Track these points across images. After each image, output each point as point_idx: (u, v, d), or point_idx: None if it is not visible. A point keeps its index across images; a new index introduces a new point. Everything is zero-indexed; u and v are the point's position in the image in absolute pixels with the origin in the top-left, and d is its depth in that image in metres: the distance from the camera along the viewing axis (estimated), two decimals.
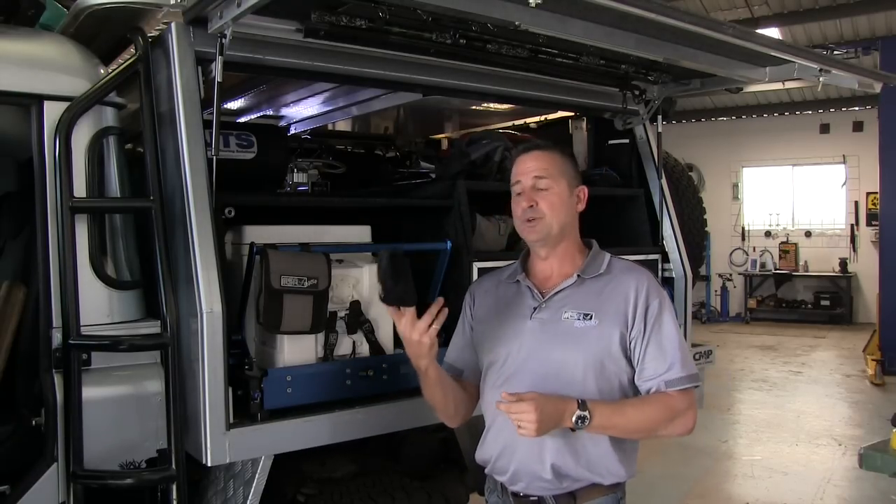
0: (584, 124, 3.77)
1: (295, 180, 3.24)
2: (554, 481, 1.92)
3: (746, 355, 10.62)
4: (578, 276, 1.99)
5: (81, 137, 2.18)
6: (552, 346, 1.94)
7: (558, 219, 1.97)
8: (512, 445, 1.96)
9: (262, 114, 3.65)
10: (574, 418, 1.78)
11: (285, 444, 2.26)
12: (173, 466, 2.10)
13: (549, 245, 2.01)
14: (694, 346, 3.44)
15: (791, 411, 7.54)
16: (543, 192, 1.97)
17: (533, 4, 1.73)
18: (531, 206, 1.97)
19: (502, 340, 2.01)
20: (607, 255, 2.06)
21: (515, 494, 1.99)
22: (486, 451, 2.05)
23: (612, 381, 1.93)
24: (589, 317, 1.94)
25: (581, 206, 2.05)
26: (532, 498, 1.96)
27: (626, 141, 3.52)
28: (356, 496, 2.63)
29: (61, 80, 2.20)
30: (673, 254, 3.41)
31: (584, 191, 2.05)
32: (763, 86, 3.18)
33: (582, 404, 1.80)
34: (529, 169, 2.00)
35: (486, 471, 2.07)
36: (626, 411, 1.89)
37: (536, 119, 3.91)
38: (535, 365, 1.93)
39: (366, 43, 2.40)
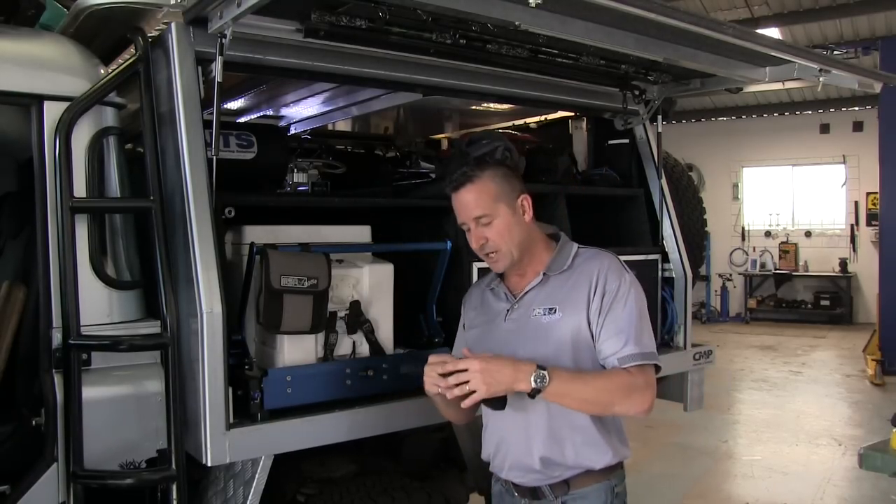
0: (584, 124, 3.77)
1: (295, 180, 3.24)
2: (545, 472, 2.00)
3: (746, 355, 10.62)
4: (544, 273, 2.05)
5: (81, 137, 2.18)
6: (524, 345, 1.98)
7: (514, 243, 2.01)
8: (505, 442, 2.06)
9: (262, 114, 3.65)
10: (533, 377, 1.80)
11: (285, 444, 2.26)
12: (173, 466, 2.10)
13: (515, 267, 2.07)
14: (694, 346, 3.44)
15: (791, 411, 7.54)
16: (487, 226, 2.00)
17: (533, 4, 1.73)
18: (482, 243, 2.01)
19: (485, 345, 2.05)
20: (574, 247, 2.10)
21: (515, 485, 2.08)
22: (486, 448, 2.15)
23: (588, 367, 1.97)
24: (553, 310, 1.99)
25: (529, 215, 2.06)
26: (529, 487, 2.05)
27: (626, 141, 3.52)
28: (356, 496, 2.62)
29: (61, 80, 2.20)
30: (673, 254, 3.41)
31: (526, 199, 2.06)
32: (763, 86, 3.18)
33: (541, 366, 1.83)
34: (466, 208, 2.01)
35: (491, 468, 2.16)
36: (585, 378, 1.92)
37: (536, 119, 3.91)
38: None
39: (366, 43, 2.40)
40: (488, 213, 1.99)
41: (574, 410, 1.94)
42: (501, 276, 2.13)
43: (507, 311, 2.07)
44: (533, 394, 1.83)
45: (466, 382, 1.80)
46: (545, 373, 1.81)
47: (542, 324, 2.00)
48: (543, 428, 1.98)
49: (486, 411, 2.07)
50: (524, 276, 2.09)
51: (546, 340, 1.98)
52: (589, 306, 1.97)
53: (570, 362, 1.95)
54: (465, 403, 1.83)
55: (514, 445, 2.04)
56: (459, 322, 2.27)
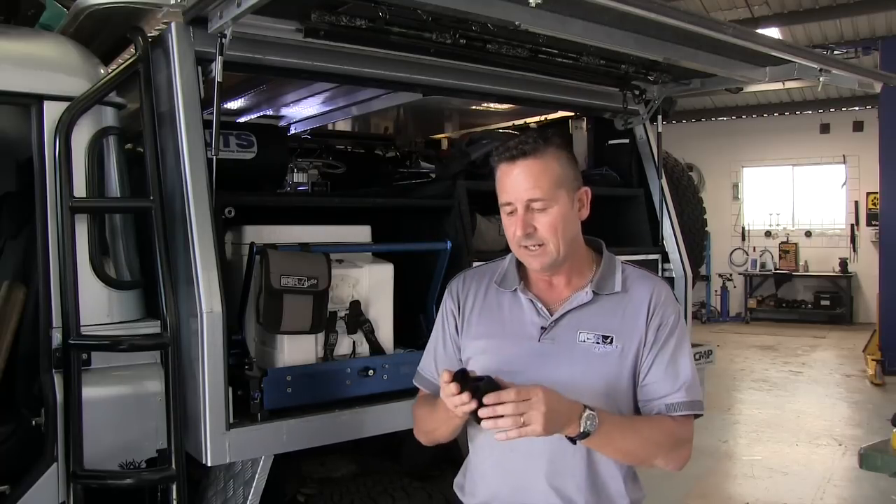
0: (584, 124, 3.77)
1: (295, 180, 3.24)
2: None
3: (746, 355, 10.62)
4: (594, 292, 1.74)
5: (81, 137, 2.18)
6: (568, 373, 1.68)
7: (564, 240, 1.69)
8: (521, 489, 1.71)
9: (262, 114, 3.65)
10: (584, 418, 1.53)
11: (285, 444, 2.25)
12: (173, 466, 2.10)
13: (555, 269, 1.74)
14: (694, 345, 3.43)
15: (791, 411, 7.54)
16: (540, 213, 1.67)
17: (533, 4, 1.72)
18: (529, 232, 1.68)
19: (504, 362, 1.71)
20: (619, 264, 1.81)
21: None
22: (484, 488, 1.78)
23: (626, 410, 1.72)
24: (609, 340, 1.70)
25: (585, 213, 1.76)
26: None
27: (626, 141, 3.51)
28: (356, 496, 2.62)
29: (61, 80, 2.20)
30: (673, 254, 3.41)
31: (586, 193, 1.76)
32: (763, 86, 3.18)
33: (588, 406, 1.56)
34: (520, 187, 1.67)
35: None
36: (635, 426, 1.67)
37: (536, 119, 3.91)
38: None
39: (366, 43, 2.40)
40: (546, 197, 1.65)
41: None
42: (522, 276, 1.80)
43: (543, 329, 1.73)
44: (576, 438, 1.55)
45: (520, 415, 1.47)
46: (595, 414, 1.54)
47: (593, 353, 1.70)
48: (581, 476, 1.68)
49: (481, 442, 1.79)
50: (557, 286, 1.77)
51: (597, 373, 1.69)
52: (644, 338, 1.70)
53: (622, 400, 1.70)
54: (503, 437, 1.50)
55: (535, 493, 1.70)
56: (444, 310, 1.90)
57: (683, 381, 1.71)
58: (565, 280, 1.77)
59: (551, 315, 1.74)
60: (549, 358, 1.71)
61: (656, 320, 1.72)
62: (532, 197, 1.66)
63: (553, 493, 1.70)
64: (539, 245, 1.68)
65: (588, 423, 1.54)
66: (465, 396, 1.49)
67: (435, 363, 1.88)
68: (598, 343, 1.70)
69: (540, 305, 1.76)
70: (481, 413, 1.49)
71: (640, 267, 1.87)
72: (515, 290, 1.79)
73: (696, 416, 1.74)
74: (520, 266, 1.81)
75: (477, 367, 1.69)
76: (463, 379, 1.53)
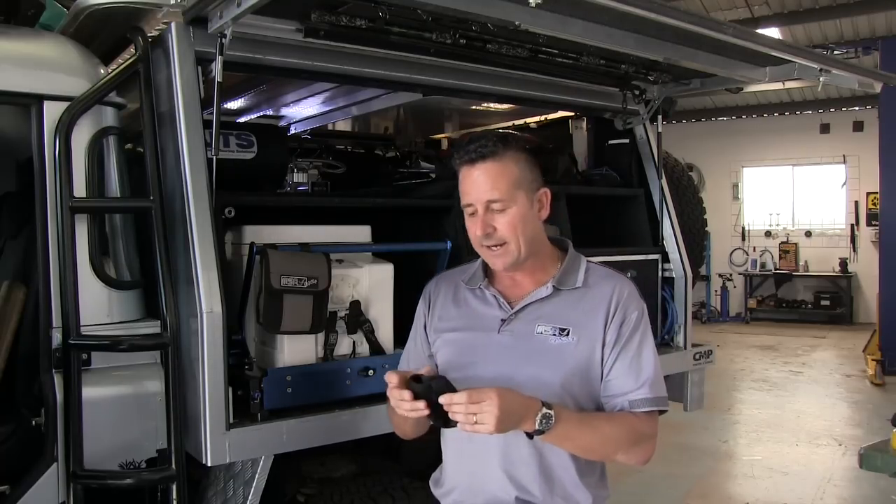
0: (584, 124, 3.78)
1: (295, 180, 3.24)
2: None
3: (746, 355, 10.62)
4: (554, 287, 1.79)
5: (81, 137, 2.18)
6: (524, 365, 1.73)
7: (524, 239, 1.74)
8: (478, 477, 1.78)
9: (262, 114, 3.65)
10: (539, 417, 1.56)
11: (285, 444, 2.25)
12: (173, 466, 2.10)
13: (517, 267, 1.80)
14: (694, 346, 3.44)
15: (791, 411, 7.54)
16: (500, 213, 1.72)
17: (533, 4, 1.72)
18: (489, 232, 1.73)
19: (467, 354, 1.80)
20: (583, 262, 1.85)
21: None
22: (448, 480, 1.87)
23: (593, 401, 1.76)
24: (565, 332, 1.75)
25: (545, 213, 1.81)
26: None
27: (626, 141, 3.52)
28: (356, 496, 2.63)
29: (61, 80, 2.20)
30: (673, 254, 3.41)
31: (546, 194, 1.81)
32: (763, 86, 3.18)
33: (546, 404, 1.58)
34: (480, 188, 1.72)
35: (446, 500, 1.88)
36: (594, 423, 1.70)
37: (536, 119, 3.91)
38: (504, 384, 1.63)
39: (366, 43, 2.40)
40: (505, 198, 1.71)
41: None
42: (487, 275, 1.87)
43: (503, 321, 1.80)
44: (532, 435, 1.59)
45: (473, 414, 1.51)
46: (552, 413, 1.57)
47: (549, 345, 1.74)
48: (534, 466, 1.73)
49: (446, 434, 1.86)
50: (521, 282, 1.83)
51: (554, 365, 1.73)
52: (605, 334, 1.74)
53: (569, 390, 1.72)
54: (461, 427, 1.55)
55: (492, 484, 1.76)
56: (417, 311, 1.98)
57: (646, 377, 1.74)
58: (528, 277, 1.83)
59: (512, 308, 1.80)
60: (506, 349, 1.77)
61: (619, 317, 1.75)
62: (491, 198, 1.72)
63: (508, 480, 1.75)
64: (500, 245, 1.74)
65: (543, 422, 1.57)
66: (419, 404, 1.55)
67: (407, 362, 1.98)
68: (554, 335, 1.75)
69: (502, 299, 1.83)
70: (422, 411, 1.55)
71: (609, 267, 1.90)
72: (480, 286, 1.86)
73: (661, 412, 1.78)
74: (487, 265, 1.87)
75: (441, 359, 1.84)
76: (416, 380, 1.58)
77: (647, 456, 1.75)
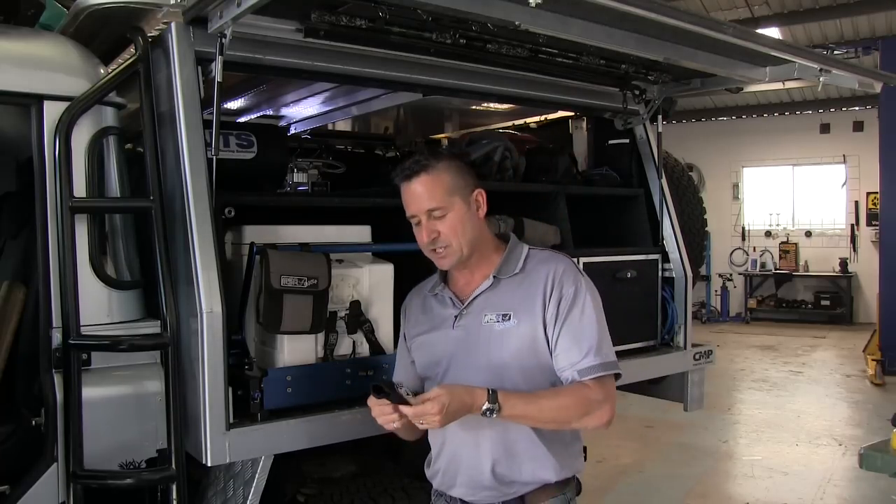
0: (584, 124, 3.78)
1: (295, 180, 3.24)
2: (500, 488, 1.93)
3: (746, 355, 10.62)
4: (494, 276, 1.96)
5: (81, 137, 2.18)
6: (476, 354, 1.92)
7: (465, 239, 1.92)
8: (456, 457, 1.98)
9: (262, 114, 3.65)
10: (484, 409, 1.76)
11: (285, 444, 2.26)
12: (173, 466, 2.10)
13: (464, 265, 1.98)
14: (694, 346, 3.44)
15: (791, 411, 7.54)
16: (440, 220, 1.91)
17: (533, 4, 1.73)
18: (433, 237, 1.92)
19: (433, 354, 2.00)
20: (525, 249, 2.01)
21: (465, 503, 2.00)
22: (434, 465, 2.08)
23: (552, 375, 1.91)
24: (507, 317, 1.91)
25: (483, 211, 1.98)
26: None
27: (626, 141, 3.52)
28: (356, 496, 2.63)
29: (61, 80, 2.20)
30: (673, 254, 3.41)
31: (481, 194, 1.98)
32: (763, 86, 3.18)
33: (492, 396, 1.76)
34: (419, 199, 1.91)
35: (435, 486, 2.09)
36: (539, 402, 1.84)
37: (536, 119, 3.91)
38: (470, 374, 1.89)
39: (366, 43, 2.40)
40: (442, 205, 1.90)
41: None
42: (446, 280, 2.06)
43: (456, 317, 1.98)
44: (485, 414, 1.77)
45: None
46: (493, 407, 1.75)
47: (495, 331, 1.91)
48: (498, 443, 1.91)
49: (432, 430, 2.01)
50: (471, 279, 2.00)
51: (500, 349, 1.90)
52: (545, 312, 1.89)
53: (526, 371, 1.89)
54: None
55: (466, 461, 1.96)
56: (400, 333, 2.19)
57: (589, 346, 1.87)
58: (477, 272, 2.00)
59: (463, 304, 1.98)
60: (462, 343, 1.95)
61: (556, 295, 1.89)
62: (430, 207, 1.90)
63: (481, 456, 1.94)
64: (445, 247, 1.93)
65: (487, 413, 1.76)
66: (391, 412, 1.78)
67: (398, 370, 2.18)
68: (497, 322, 1.91)
69: (455, 298, 2.01)
70: (397, 423, 1.81)
71: (551, 250, 2.08)
72: (438, 291, 2.06)
73: (616, 375, 1.92)
74: (444, 272, 2.06)
75: (417, 362, 2.07)
76: (379, 392, 1.79)
77: (606, 419, 1.87)
